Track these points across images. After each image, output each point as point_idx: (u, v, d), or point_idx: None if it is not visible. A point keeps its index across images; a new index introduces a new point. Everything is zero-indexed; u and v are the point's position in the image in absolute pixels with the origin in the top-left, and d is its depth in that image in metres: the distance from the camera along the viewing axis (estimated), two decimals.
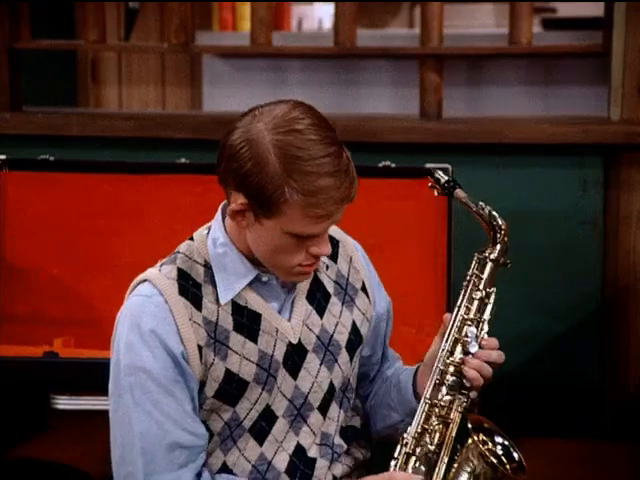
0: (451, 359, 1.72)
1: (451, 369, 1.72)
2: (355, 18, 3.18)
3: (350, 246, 1.84)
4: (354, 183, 1.64)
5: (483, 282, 1.75)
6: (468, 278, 1.76)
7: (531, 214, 3.06)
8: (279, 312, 1.74)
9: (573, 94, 3.44)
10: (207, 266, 1.70)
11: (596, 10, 3.41)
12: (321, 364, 1.75)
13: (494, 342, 1.75)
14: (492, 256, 1.76)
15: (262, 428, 1.72)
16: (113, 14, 4.07)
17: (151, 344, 1.66)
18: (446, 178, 1.76)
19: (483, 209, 1.77)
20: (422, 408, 1.71)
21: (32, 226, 2.88)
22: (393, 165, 2.78)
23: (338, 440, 1.80)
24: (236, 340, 1.69)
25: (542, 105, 3.49)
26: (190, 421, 1.68)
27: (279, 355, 1.72)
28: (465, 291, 1.75)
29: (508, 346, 3.08)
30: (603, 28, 3.14)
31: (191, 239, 1.74)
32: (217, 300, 1.69)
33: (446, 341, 1.73)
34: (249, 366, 1.70)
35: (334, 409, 1.79)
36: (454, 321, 1.74)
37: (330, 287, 1.78)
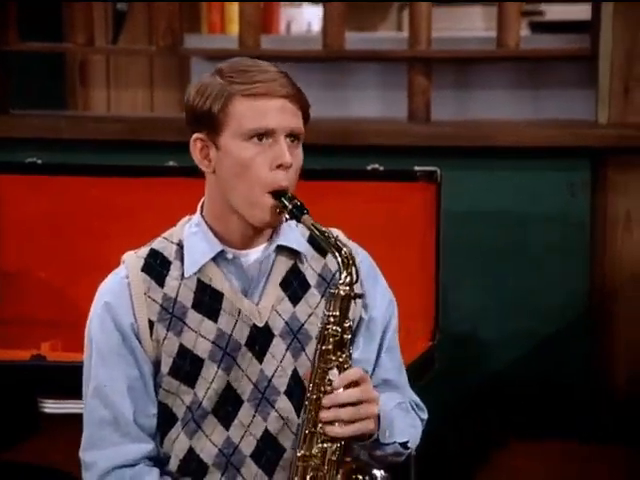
0: (316, 407, 1.64)
1: (319, 419, 1.64)
2: (343, 21, 3.18)
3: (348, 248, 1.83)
4: (300, 89, 1.72)
5: (339, 319, 1.66)
6: (322, 317, 1.67)
7: (519, 217, 3.07)
8: (246, 294, 1.75)
9: (561, 97, 3.44)
10: (180, 245, 1.76)
11: (584, 13, 3.42)
12: (287, 350, 1.74)
13: (346, 378, 1.64)
14: (342, 291, 1.65)
15: (227, 412, 1.73)
16: (101, 16, 4.06)
17: (102, 316, 1.74)
18: (291, 205, 1.67)
19: (329, 237, 1.67)
20: (295, 463, 1.67)
21: (20, 229, 2.88)
22: (381, 168, 2.78)
23: None
24: (193, 317, 1.72)
25: (530, 108, 3.50)
26: (120, 400, 1.71)
27: (240, 336, 1.73)
28: (321, 332, 1.66)
29: (496, 347, 3.11)
30: (591, 31, 3.15)
31: (175, 225, 1.81)
32: (182, 276, 1.74)
33: (309, 391, 1.66)
34: (204, 343, 1.72)
35: None
36: (315, 367, 1.66)
37: (312, 279, 1.78)
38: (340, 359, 1.65)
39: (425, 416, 1.87)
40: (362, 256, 1.84)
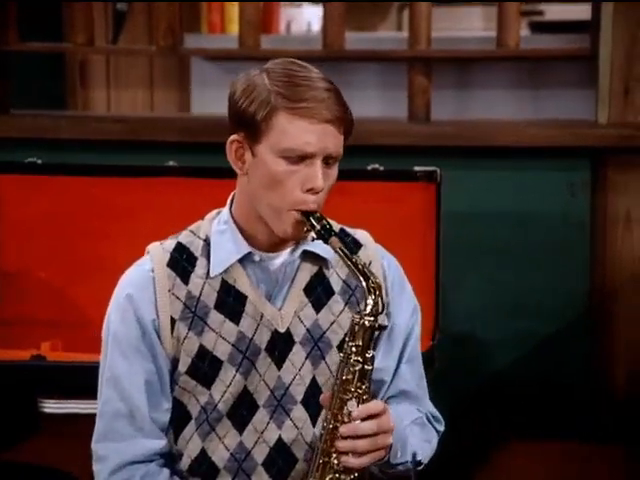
0: (332, 437, 1.63)
1: (334, 449, 1.63)
2: (343, 21, 3.18)
3: (373, 252, 1.81)
4: (347, 108, 1.69)
5: (361, 349, 1.62)
6: (345, 346, 1.64)
7: (519, 217, 3.07)
8: (270, 298, 1.73)
9: (561, 97, 3.45)
10: (207, 241, 1.74)
11: (584, 13, 3.42)
12: (306, 358, 1.73)
13: (366, 411, 1.62)
14: (367, 322, 1.61)
15: (242, 416, 1.72)
16: (101, 16, 4.06)
17: (124, 307, 1.71)
18: (319, 226, 1.65)
19: (357, 264, 1.63)
20: None
21: (20, 229, 2.88)
22: (381, 168, 2.78)
23: None
24: (215, 318, 1.71)
25: (530, 108, 3.50)
26: (137, 394, 1.70)
27: (260, 341, 1.72)
28: (342, 361, 1.63)
29: (496, 347, 3.11)
30: (591, 31, 3.15)
31: (202, 218, 1.78)
32: (207, 275, 1.72)
33: (327, 420, 1.64)
34: (224, 345, 1.71)
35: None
36: (334, 397, 1.64)
37: (337, 285, 1.76)
38: (360, 390, 1.63)
39: (442, 428, 1.85)
40: (390, 261, 1.83)
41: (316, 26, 4.52)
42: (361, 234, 1.82)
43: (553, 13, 4.63)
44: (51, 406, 2.42)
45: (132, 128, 3.19)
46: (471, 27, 4.60)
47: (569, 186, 3.04)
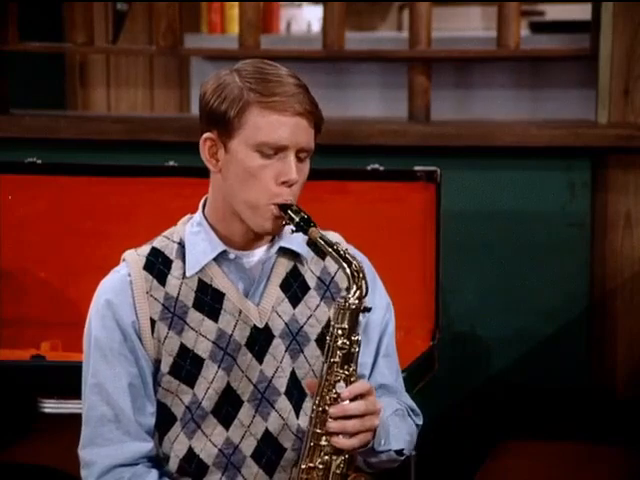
0: (322, 420, 1.64)
1: (324, 431, 1.64)
2: (344, 21, 3.18)
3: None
4: (316, 104, 1.72)
5: (347, 332, 1.65)
6: (331, 330, 1.66)
7: (519, 217, 3.07)
8: (247, 294, 1.76)
9: (561, 97, 3.45)
10: (181, 244, 1.77)
11: (584, 13, 3.42)
12: (286, 351, 1.75)
13: (354, 391, 1.64)
14: (352, 304, 1.64)
15: (228, 413, 1.74)
16: (101, 16, 4.07)
17: (103, 313, 1.74)
18: (298, 218, 1.68)
19: (339, 250, 1.66)
20: (300, 476, 1.66)
21: (20, 229, 2.88)
22: (381, 168, 2.78)
23: None
24: (194, 317, 1.73)
25: (530, 108, 3.50)
26: (121, 398, 1.72)
27: (240, 337, 1.74)
28: (329, 344, 1.66)
29: (496, 347, 3.11)
30: (591, 31, 3.15)
31: (176, 224, 1.82)
32: (184, 275, 1.74)
33: (316, 403, 1.65)
34: (205, 343, 1.73)
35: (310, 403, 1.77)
36: (322, 380, 1.65)
37: (312, 281, 1.79)
38: (347, 372, 1.65)
39: (420, 422, 1.87)
40: (361, 260, 1.83)
41: (316, 26, 4.52)
42: (332, 235, 1.84)
43: (553, 13, 4.64)
44: (51, 406, 2.43)
45: (132, 128, 3.19)
46: (471, 27, 4.60)
47: (569, 186, 3.04)
